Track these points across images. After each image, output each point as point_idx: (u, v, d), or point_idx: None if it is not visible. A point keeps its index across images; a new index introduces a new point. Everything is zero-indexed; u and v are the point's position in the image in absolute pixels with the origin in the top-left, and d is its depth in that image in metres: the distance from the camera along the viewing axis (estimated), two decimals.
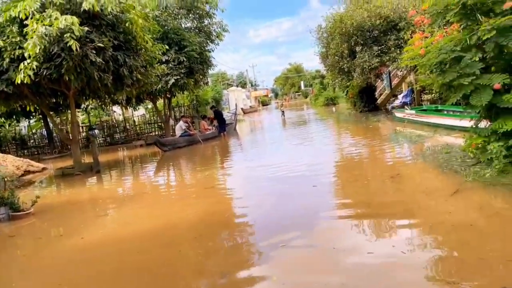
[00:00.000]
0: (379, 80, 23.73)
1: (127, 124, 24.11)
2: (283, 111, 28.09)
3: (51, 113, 15.54)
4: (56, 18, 8.95)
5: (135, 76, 11.49)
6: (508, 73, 5.68)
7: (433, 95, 22.63)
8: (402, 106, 15.38)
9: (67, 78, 9.72)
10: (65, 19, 8.86)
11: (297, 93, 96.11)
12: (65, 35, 9.03)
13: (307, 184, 6.63)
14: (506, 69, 6.10)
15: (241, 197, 6.61)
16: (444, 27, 6.69)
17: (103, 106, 19.33)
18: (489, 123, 6.14)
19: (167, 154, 14.77)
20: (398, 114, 14.32)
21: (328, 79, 47.41)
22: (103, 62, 10.11)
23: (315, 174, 7.40)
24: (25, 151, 22.94)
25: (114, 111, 28.31)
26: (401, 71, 16.79)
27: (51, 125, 22.01)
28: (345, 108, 28.30)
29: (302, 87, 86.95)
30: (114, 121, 24.26)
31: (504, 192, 4.69)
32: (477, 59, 5.89)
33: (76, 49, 9.07)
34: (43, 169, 14.26)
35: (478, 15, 5.55)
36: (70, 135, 14.09)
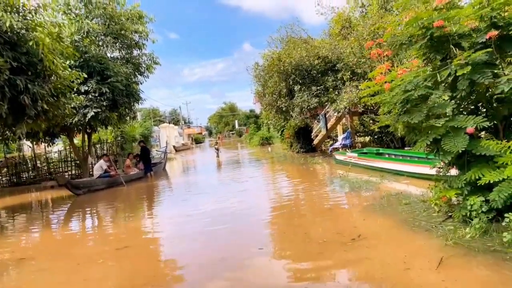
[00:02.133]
0: (315, 121, 23.55)
1: (38, 162, 21.05)
2: (217, 150, 25.88)
3: None
4: None
5: (40, 106, 9.52)
6: (476, 115, 4.94)
7: (366, 137, 22.93)
8: (343, 148, 14.83)
9: None
10: None
11: (231, 132, 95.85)
12: None
13: (247, 243, 5.23)
14: (474, 111, 5.39)
15: (161, 263, 4.98)
16: (408, 60, 5.92)
17: (7, 140, 16.52)
18: (457, 171, 5.31)
19: (81, 198, 12.53)
20: (339, 157, 13.65)
21: (263, 119, 47.42)
22: None
23: (255, 229, 6.06)
24: None
25: (29, 146, 24.99)
26: (338, 112, 16.43)
27: None
28: (281, 148, 27.75)
29: (237, 126, 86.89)
30: (21, 158, 21.05)
31: (499, 263, 3.68)
32: (446, 97, 5.09)
33: None
34: None
35: (452, 47, 4.77)
36: None
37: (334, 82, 15.45)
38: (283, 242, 5.30)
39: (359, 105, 14.43)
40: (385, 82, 5.27)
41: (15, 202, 13.72)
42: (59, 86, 10.72)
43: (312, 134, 22.84)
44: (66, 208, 11.24)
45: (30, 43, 8.84)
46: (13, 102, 8.95)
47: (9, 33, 8.74)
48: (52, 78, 10.49)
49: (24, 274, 5.07)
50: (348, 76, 14.55)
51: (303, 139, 21.14)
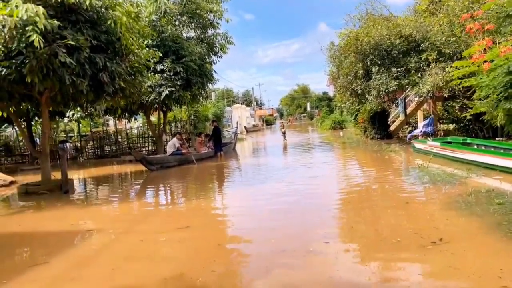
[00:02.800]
0: (393, 106, 22.08)
1: (119, 137, 22.45)
2: (284, 133, 23.61)
3: (20, 120, 13.93)
4: (17, 6, 7.36)
5: (118, 83, 9.85)
6: None
7: (450, 125, 20.99)
8: (423, 136, 13.62)
9: (29, 80, 8.05)
10: (26, 9, 7.28)
11: (302, 115, 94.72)
12: (27, 28, 7.45)
13: (313, 235, 4.85)
14: None
15: (221, 247, 4.80)
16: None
17: (91, 116, 17.75)
18: None
19: (154, 174, 13.01)
20: (419, 145, 12.53)
21: (336, 101, 45.86)
22: (77, 65, 8.49)
23: (321, 220, 5.64)
24: (10, 159, 21.33)
25: (107, 122, 26.83)
26: (420, 96, 15.08)
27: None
28: (354, 133, 26.54)
29: (308, 109, 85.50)
30: (105, 133, 22.58)
31: None
32: None
33: (40, 46, 7.47)
34: (11, 183, 12.53)
35: None
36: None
37: (417, 64, 14.13)
38: (351, 237, 4.82)
39: (445, 89, 13.05)
40: (484, 62, 4.45)
41: (97, 173, 14.71)
42: (136, 64, 11.03)
43: (389, 119, 21.45)
44: (139, 184, 11.73)
45: (109, 22, 9.08)
46: (93, 79, 9.34)
47: (89, 12, 9.07)
48: (130, 56, 10.83)
49: (87, 246, 5.22)
50: (435, 57, 13.17)
51: (379, 125, 19.88)
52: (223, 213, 7.07)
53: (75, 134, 23.10)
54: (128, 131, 23.08)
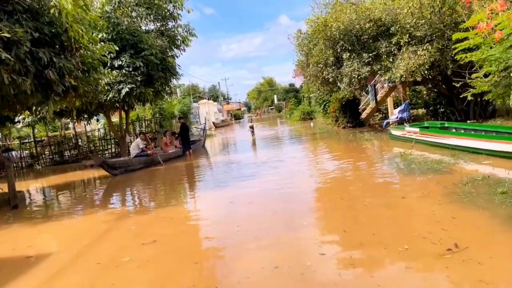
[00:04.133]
0: (363, 93, 21.82)
1: (79, 140, 20.97)
2: (252, 128, 21.65)
3: None
4: None
5: (68, 81, 8.74)
6: None
7: (419, 110, 20.92)
8: (399, 122, 13.23)
9: None
10: None
11: (270, 107, 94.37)
12: None
13: (304, 245, 4.12)
14: None
15: (202, 265, 3.98)
16: None
17: (45, 119, 16.31)
18: None
19: (117, 179, 11.96)
20: (396, 132, 12.11)
21: (303, 92, 45.59)
22: (16, 61, 7.35)
23: (308, 224, 4.94)
24: None
25: (67, 125, 25.17)
26: (393, 82, 14.72)
27: None
28: (324, 123, 26.17)
29: (276, 101, 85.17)
30: (63, 137, 21.02)
31: None
32: None
33: None
34: None
35: None
36: None
37: (387, 48, 13.68)
38: (349, 245, 4.12)
39: (417, 74, 12.66)
40: (493, 30, 3.82)
41: (54, 182, 13.44)
42: (89, 60, 9.93)
43: (360, 107, 21.16)
44: (100, 191, 10.66)
45: (52, 11, 7.95)
46: (39, 77, 8.21)
47: (29, 0, 7.91)
48: (81, 51, 9.72)
49: (30, 279, 4.26)
50: (406, 40, 12.75)
51: (350, 113, 19.52)
52: (195, 222, 6.22)
53: (31, 139, 21.40)
54: (88, 134, 21.60)
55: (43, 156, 20.43)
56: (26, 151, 20.47)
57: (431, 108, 19.37)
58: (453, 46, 5.61)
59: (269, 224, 5.22)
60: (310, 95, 41.17)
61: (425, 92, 22.69)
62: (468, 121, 13.88)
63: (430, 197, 5.41)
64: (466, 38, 4.28)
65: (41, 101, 9.24)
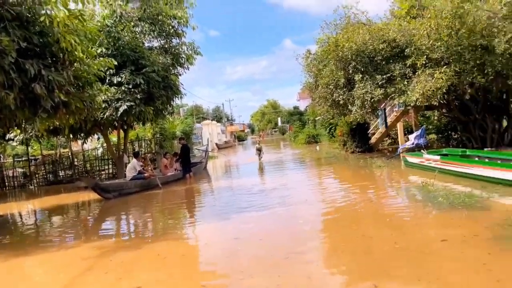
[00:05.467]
0: (372, 117, 21.02)
1: (75, 160, 20.11)
2: (259, 151, 20.02)
3: None
4: None
5: (58, 96, 7.96)
6: None
7: (432, 135, 20.06)
8: (416, 148, 12.34)
9: None
10: None
11: (273, 130, 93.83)
12: None
13: None
14: None
15: None
16: None
17: (37, 137, 15.50)
18: None
19: (110, 203, 11.04)
20: (412, 160, 11.21)
21: (309, 115, 44.93)
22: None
23: (333, 271, 4.00)
24: None
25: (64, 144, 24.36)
26: (406, 106, 13.91)
27: None
28: (330, 147, 25.24)
29: (279, 124, 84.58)
30: (57, 156, 20.18)
31: None
32: None
33: None
34: None
35: None
36: None
37: (401, 70, 12.95)
38: None
39: (433, 97, 11.87)
40: None
41: (44, 205, 12.57)
42: (84, 74, 9.21)
43: (369, 132, 20.33)
44: (89, 218, 9.73)
45: (43, 19, 7.26)
46: (25, 91, 7.47)
47: (17, 7, 7.23)
48: (76, 65, 8.99)
49: None
50: (423, 62, 12.00)
51: (359, 137, 18.65)
52: (192, 264, 5.24)
53: (26, 158, 20.56)
54: (85, 153, 20.77)
55: (37, 175, 19.56)
56: (20, 170, 19.59)
57: (443, 135, 18.56)
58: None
59: (282, 270, 4.28)
60: (316, 118, 40.55)
61: (436, 118, 21.94)
62: (485, 149, 13.01)
63: (475, 242, 4.47)
64: None
65: (28, 118, 8.46)
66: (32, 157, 20.38)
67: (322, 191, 9.77)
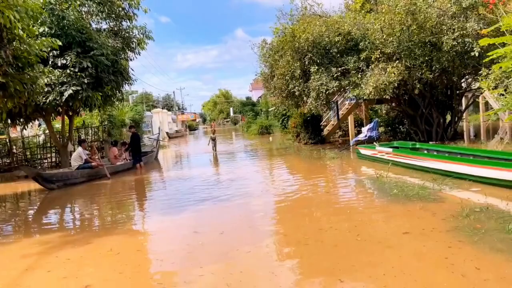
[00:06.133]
0: (325, 109, 21.35)
1: (14, 147, 18.61)
2: (214, 141, 18.97)
3: None
4: None
5: None
6: None
7: (380, 128, 20.77)
8: (369, 141, 12.64)
9: None
10: None
11: (225, 120, 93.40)
12: None
13: None
14: None
15: None
16: None
17: None
18: None
19: (54, 194, 10.31)
20: (365, 152, 11.48)
21: (262, 106, 45.06)
22: None
23: (294, 267, 3.90)
24: None
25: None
26: (359, 99, 14.22)
27: None
28: (283, 138, 25.43)
29: (232, 114, 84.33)
30: None
31: None
32: None
33: None
34: None
35: None
36: None
37: (355, 63, 13.19)
38: None
39: (387, 91, 12.21)
40: None
41: None
42: (24, 54, 8.41)
43: (321, 124, 20.66)
44: (28, 210, 9.00)
45: None
46: None
47: None
48: (14, 44, 8.19)
49: None
50: (377, 56, 12.28)
51: (313, 129, 18.92)
52: (148, 260, 4.94)
53: None
54: (25, 140, 19.29)
55: None
56: None
57: (390, 128, 19.28)
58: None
59: (244, 266, 4.11)
60: (269, 109, 40.74)
61: (384, 111, 22.75)
62: (431, 142, 13.66)
63: (434, 234, 4.56)
64: (494, 44, 3.55)
65: None
66: None
67: (280, 183, 9.67)
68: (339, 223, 5.48)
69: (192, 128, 75.00)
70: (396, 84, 12.28)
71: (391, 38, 12.62)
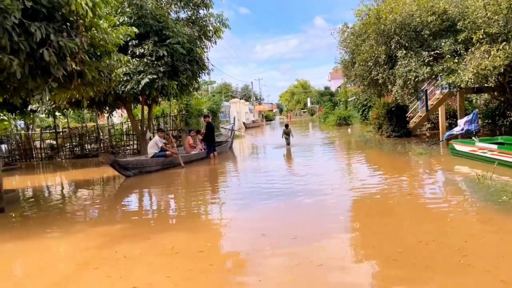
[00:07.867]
0: (412, 99, 19.45)
1: (101, 134, 19.82)
2: (287, 135, 17.01)
3: None
4: None
5: (70, 64, 7.22)
6: None
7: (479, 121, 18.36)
8: (467, 135, 11.03)
9: None
10: None
11: (302, 110, 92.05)
12: None
13: None
14: None
15: None
16: None
17: (61, 109, 15.05)
18: None
19: (129, 181, 10.48)
20: (461, 148, 9.95)
21: (340, 96, 43.21)
22: (3, 34, 5.94)
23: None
24: None
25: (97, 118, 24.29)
26: (454, 87, 12.46)
27: None
28: (363, 130, 23.86)
29: (309, 104, 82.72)
30: (84, 129, 19.93)
31: None
32: None
33: None
34: None
35: None
36: None
37: (452, 47, 11.52)
38: None
39: (491, 78, 10.46)
40: None
41: (66, 178, 12.31)
42: (102, 43, 8.46)
43: (407, 115, 18.85)
44: (107, 196, 9.14)
45: None
46: (34, 58, 6.77)
47: None
48: (92, 32, 8.24)
49: None
50: (479, 37, 10.54)
51: (397, 121, 17.28)
52: (207, 264, 4.43)
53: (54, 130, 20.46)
54: (111, 128, 20.45)
55: (64, 148, 19.41)
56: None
57: (490, 120, 16.92)
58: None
59: (315, 281, 3.40)
60: (348, 99, 38.88)
61: (482, 102, 20.13)
62: None
63: None
64: None
65: (36, 87, 7.79)
66: (59, 130, 20.25)
67: (360, 180, 8.55)
68: (440, 235, 4.46)
69: (269, 118, 75.12)
70: (502, 70, 10.48)
71: (497, 17, 10.79)
